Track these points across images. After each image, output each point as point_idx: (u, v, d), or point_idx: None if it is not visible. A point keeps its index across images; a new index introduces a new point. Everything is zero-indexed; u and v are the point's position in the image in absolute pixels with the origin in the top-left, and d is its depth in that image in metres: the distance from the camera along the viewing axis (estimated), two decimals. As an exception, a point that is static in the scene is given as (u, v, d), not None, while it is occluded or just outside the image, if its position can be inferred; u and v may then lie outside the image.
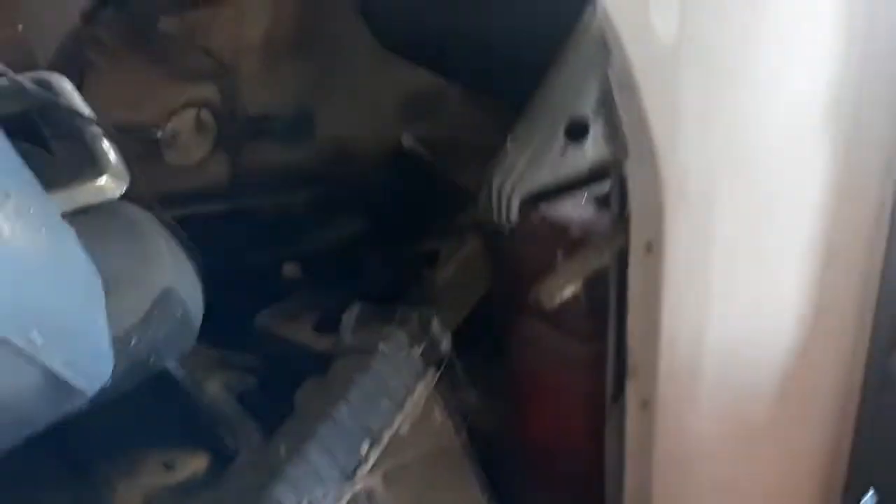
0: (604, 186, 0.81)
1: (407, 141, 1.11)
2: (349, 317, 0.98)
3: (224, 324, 0.93)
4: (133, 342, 0.77)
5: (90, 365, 0.70)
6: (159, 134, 1.14)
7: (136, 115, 1.13)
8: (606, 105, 0.72)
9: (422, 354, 0.92)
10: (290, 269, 1.19)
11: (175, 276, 0.82)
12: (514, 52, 0.93)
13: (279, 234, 1.19)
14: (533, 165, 0.74)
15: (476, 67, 1.05)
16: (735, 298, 0.81)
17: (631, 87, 0.71)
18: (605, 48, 0.70)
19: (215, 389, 1.00)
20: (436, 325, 0.93)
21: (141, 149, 1.10)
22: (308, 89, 1.18)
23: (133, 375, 0.80)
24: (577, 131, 0.73)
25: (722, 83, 0.72)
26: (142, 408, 0.90)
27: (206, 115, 1.16)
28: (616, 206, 0.79)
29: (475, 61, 1.04)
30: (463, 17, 1.00)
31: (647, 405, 0.84)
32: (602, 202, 0.83)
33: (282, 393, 1.02)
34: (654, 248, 0.78)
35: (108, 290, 0.72)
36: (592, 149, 0.74)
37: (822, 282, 0.81)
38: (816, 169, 0.76)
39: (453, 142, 1.18)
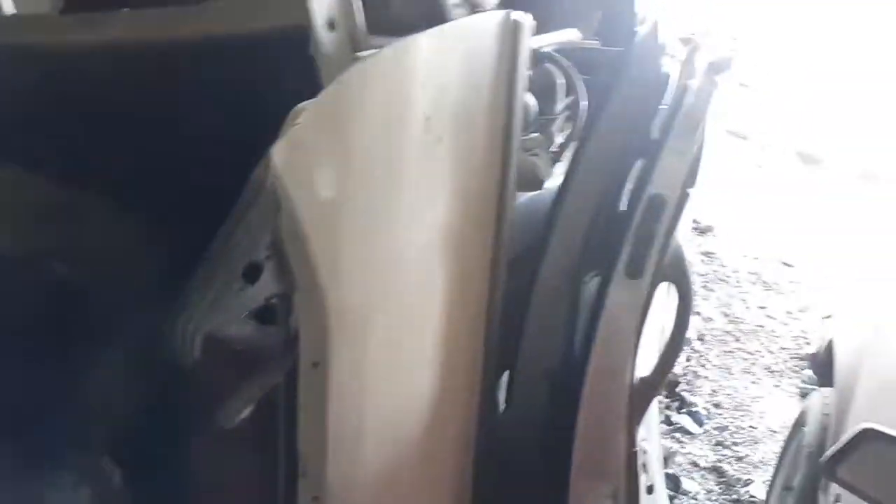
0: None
1: (58, 268, 1.04)
2: (-5, 462, 0.89)
3: None
4: None
5: None
6: None
7: None
8: (278, 249, 0.82)
9: (91, 496, 0.89)
10: None
11: None
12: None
13: None
14: (213, 306, 0.80)
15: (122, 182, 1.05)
16: (383, 398, 0.98)
17: (298, 235, 0.83)
18: (277, 202, 0.80)
19: None
20: (106, 461, 0.90)
21: None
22: None
23: None
24: (252, 273, 0.82)
25: (369, 233, 0.89)
26: None
27: None
28: (286, 330, 0.89)
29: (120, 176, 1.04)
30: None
31: (317, 500, 0.95)
32: (271, 323, 0.92)
33: None
34: (319, 365, 0.90)
35: None
36: (266, 287, 0.83)
37: (443, 377, 1.07)
38: (435, 302, 0.99)
39: (91, 251, 1.14)
